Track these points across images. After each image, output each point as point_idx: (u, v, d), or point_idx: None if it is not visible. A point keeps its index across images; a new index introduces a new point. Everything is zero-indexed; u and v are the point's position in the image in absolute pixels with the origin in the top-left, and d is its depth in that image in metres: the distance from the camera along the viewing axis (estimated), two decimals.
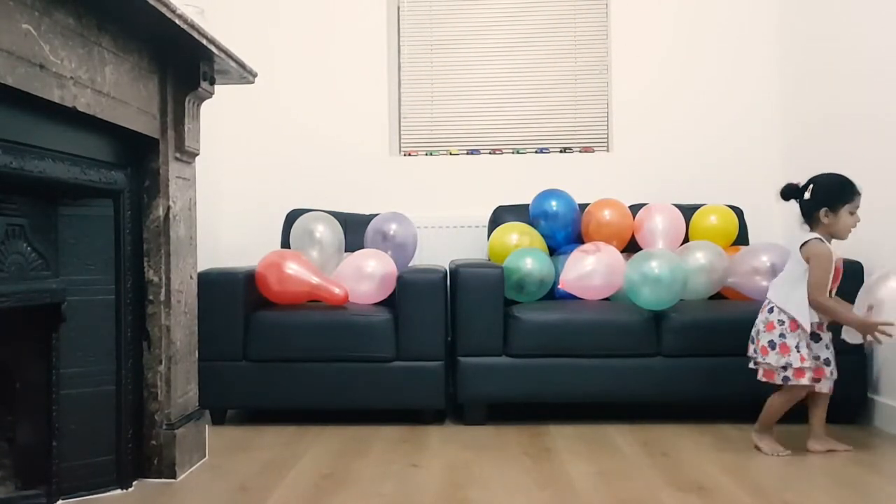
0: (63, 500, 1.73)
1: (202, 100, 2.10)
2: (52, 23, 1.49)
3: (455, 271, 2.56)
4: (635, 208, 2.98)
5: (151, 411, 1.93)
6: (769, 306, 2.16)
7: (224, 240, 3.33)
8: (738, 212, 3.02)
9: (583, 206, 2.99)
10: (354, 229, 2.96)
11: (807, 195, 2.13)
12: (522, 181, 3.24)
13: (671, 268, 2.48)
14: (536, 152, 3.43)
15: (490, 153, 3.45)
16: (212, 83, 2.10)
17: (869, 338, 2.06)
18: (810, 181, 2.14)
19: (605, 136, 3.44)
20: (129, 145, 1.89)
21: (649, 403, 2.60)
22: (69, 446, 1.74)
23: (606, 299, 2.67)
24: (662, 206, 2.93)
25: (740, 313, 2.42)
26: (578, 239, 2.95)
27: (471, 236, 3.21)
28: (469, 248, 3.21)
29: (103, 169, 1.79)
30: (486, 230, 3.16)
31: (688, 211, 2.95)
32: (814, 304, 2.08)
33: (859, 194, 2.13)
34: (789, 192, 2.17)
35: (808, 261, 2.09)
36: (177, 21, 1.70)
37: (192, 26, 1.77)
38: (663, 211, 2.90)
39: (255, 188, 3.37)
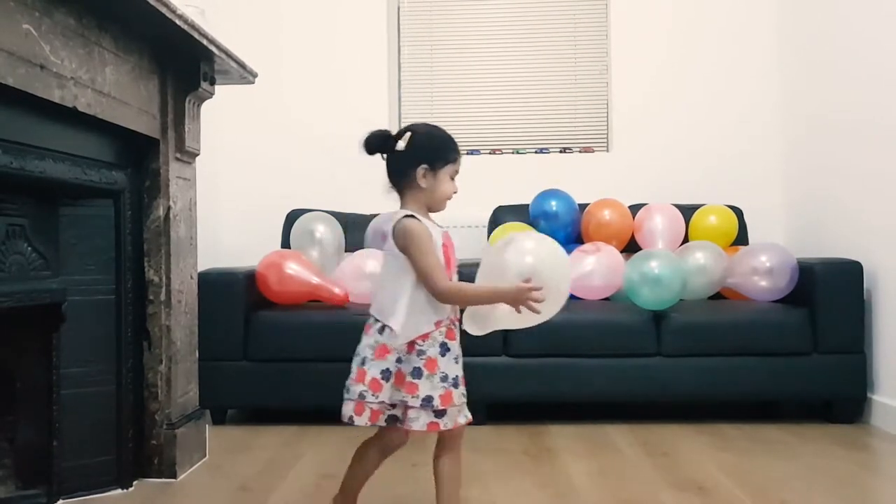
0: (63, 499, 1.74)
1: (202, 100, 2.10)
2: (53, 23, 1.49)
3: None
4: (635, 208, 2.98)
5: (152, 411, 1.93)
6: (376, 325, 1.48)
7: (224, 240, 3.33)
8: (738, 212, 3.02)
9: (583, 207, 2.99)
10: (354, 229, 2.96)
11: (401, 144, 1.51)
12: (522, 181, 3.24)
13: (671, 268, 2.48)
14: (536, 152, 3.43)
15: (490, 153, 3.45)
16: (212, 83, 2.10)
17: (518, 314, 1.47)
18: (407, 129, 1.54)
19: (605, 136, 3.44)
20: (129, 145, 1.89)
21: (649, 403, 2.60)
22: (69, 446, 1.75)
23: (606, 299, 2.67)
24: (662, 206, 2.93)
25: (740, 313, 2.42)
26: (578, 239, 2.95)
27: (471, 236, 3.21)
28: (469, 248, 3.21)
29: (104, 169, 1.79)
30: (485, 230, 3.16)
31: (687, 211, 2.95)
32: (442, 296, 1.46)
33: (460, 154, 1.56)
34: (377, 140, 1.54)
35: (404, 249, 1.47)
36: (177, 21, 1.70)
37: (193, 27, 1.78)
38: (663, 211, 2.90)
39: (255, 188, 3.37)
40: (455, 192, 1.57)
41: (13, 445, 1.70)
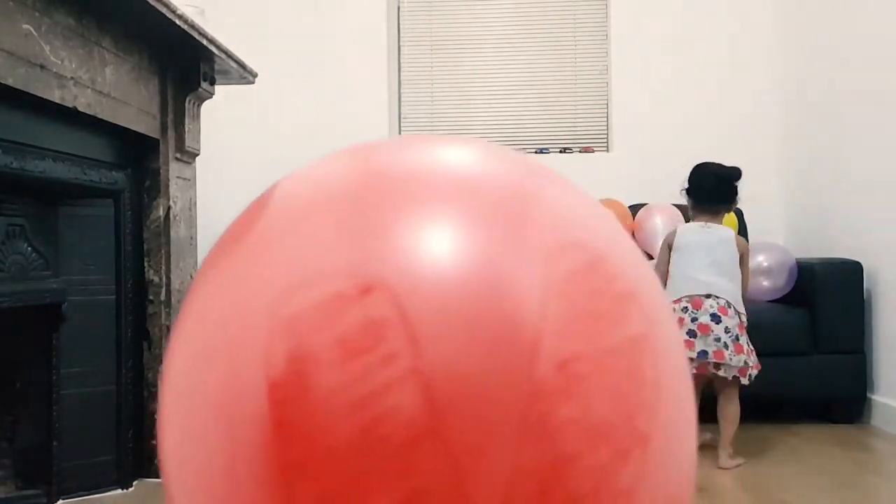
0: (63, 499, 1.73)
1: (202, 100, 2.10)
2: (53, 23, 1.49)
3: None
4: (635, 208, 2.98)
5: (152, 411, 1.93)
6: (729, 307, 2.02)
7: None
8: (738, 212, 3.02)
9: None
10: None
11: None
12: None
13: None
14: (536, 152, 3.43)
15: None
16: (212, 83, 2.10)
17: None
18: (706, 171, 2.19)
19: (605, 136, 3.44)
20: (129, 145, 1.89)
21: None
22: (69, 446, 1.74)
23: None
24: (662, 206, 2.93)
25: None
26: None
27: None
28: None
29: (104, 169, 1.79)
30: None
31: (687, 211, 2.95)
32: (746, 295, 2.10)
33: None
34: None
35: (741, 253, 2.09)
36: (177, 21, 1.70)
37: (193, 27, 1.78)
38: (663, 211, 2.90)
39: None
40: None
41: (13, 445, 1.70)
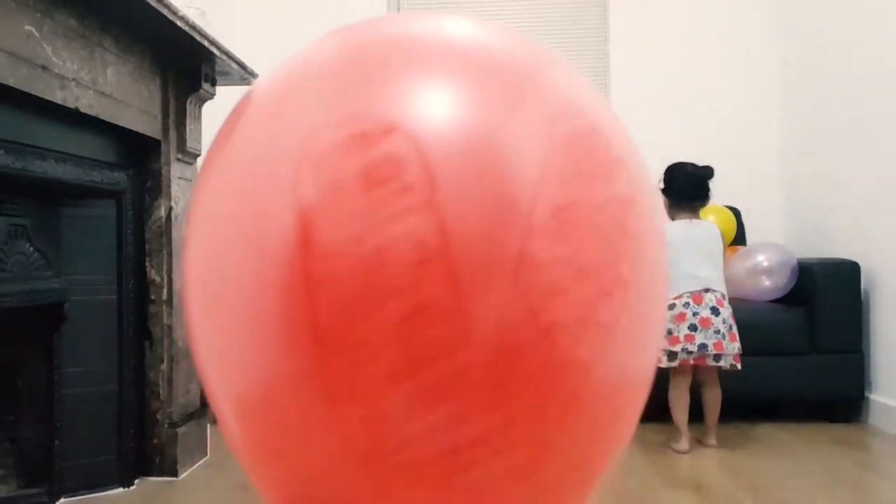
0: (65, 498, 1.74)
1: (204, 101, 2.11)
2: (54, 24, 1.49)
3: None
4: None
5: (153, 410, 1.94)
6: (724, 298, 2.19)
7: None
8: (736, 212, 3.03)
9: None
10: None
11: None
12: None
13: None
14: None
15: None
16: (213, 84, 2.11)
17: None
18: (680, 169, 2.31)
19: None
20: (131, 146, 1.90)
21: (647, 403, 2.61)
22: (71, 445, 1.75)
23: None
24: (661, 206, 2.94)
25: (738, 313, 2.43)
26: None
27: None
28: None
29: (105, 170, 1.79)
30: None
31: (666, 209, 2.96)
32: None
33: None
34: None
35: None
36: (178, 23, 1.71)
37: (194, 28, 1.78)
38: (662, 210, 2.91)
39: None
40: None
41: (15, 444, 1.71)
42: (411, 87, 0.34)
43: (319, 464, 0.34)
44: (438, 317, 0.31)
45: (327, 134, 0.34)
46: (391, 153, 0.32)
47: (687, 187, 2.26)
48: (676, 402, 2.21)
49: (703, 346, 2.12)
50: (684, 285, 2.16)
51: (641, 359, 0.37)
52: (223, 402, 0.38)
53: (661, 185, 2.28)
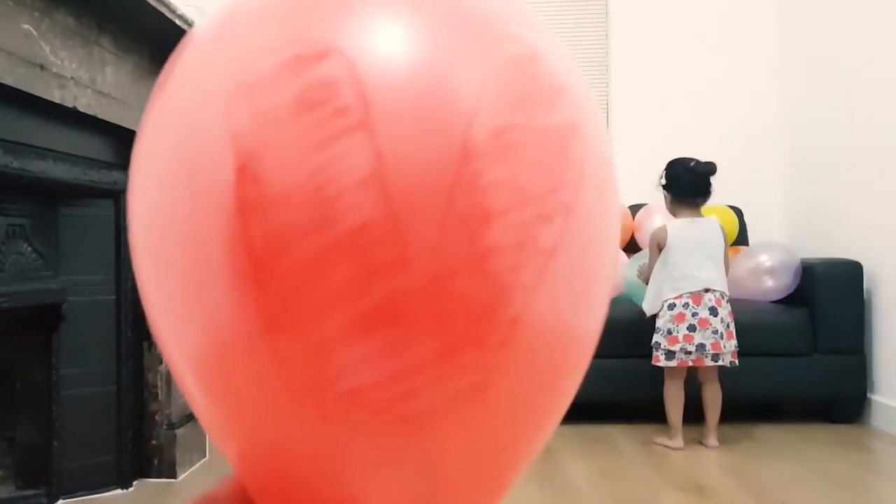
0: (63, 499, 1.73)
1: None
2: (53, 23, 1.48)
3: None
4: (635, 208, 2.98)
5: (152, 411, 1.93)
6: (723, 297, 2.18)
7: None
8: (738, 212, 3.02)
9: None
10: None
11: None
12: None
13: None
14: None
15: None
16: None
17: None
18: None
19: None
20: (129, 145, 1.85)
21: (649, 404, 2.60)
22: (69, 446, 1.74)
23: None
24: (662, 206, 2.92)
25: (739, 314, 2.42)
26: None
27: None
28: None
29: (104, 169, 1.78)
30: None
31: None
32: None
33: None
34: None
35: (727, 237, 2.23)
36: (177, 21, 1.70)
37: (192, 26, 1.77)
38: (663, 211, 2.89)
39: None
40: None
41: (13, 445, 1.70)
42: (350, 12, 0.35)
43: (264, 403, 0.34)
44: (374, 240, 0.31)
45: (262, 60, 0.34)
46: (326, 76, 0.32)
47: (688, 183, 2.24)
48: (671, 401, 2.21)
49: (700, 347, 2.13)
50: (686, 285, 2.16)
51: (587, 287, 0.37)
52: (180, 363, 0.38)
53: (663, 181, 2.27)
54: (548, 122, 0.35)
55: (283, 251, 0.32)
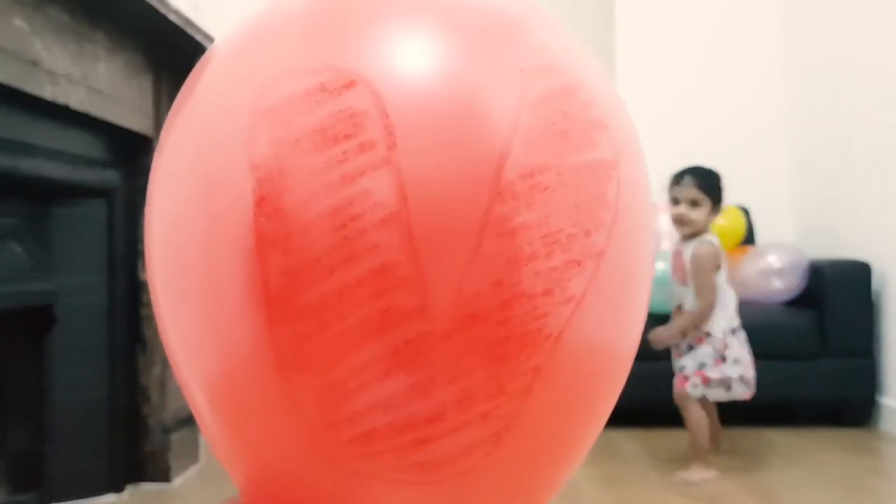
0: None
1: None
2: (45, 18, 1.45)
3: None
4: None
5: (145, 415, 1.90)
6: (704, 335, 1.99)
7: None
8: (746, 212, 2.98)
9: None
10: None
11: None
12: None
13: None
14: None
15: None
16: None
17: None
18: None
19: None
20: (122, 143, 1.85)
21: (655, 408, 2.56)
22: (61, 451, 1.71)
23: None
24: (667, 206, 2.89)
25: (747, 316, 2.38)
26: None
27: None
28: None
29: (96, 168, 1.75)
30: None
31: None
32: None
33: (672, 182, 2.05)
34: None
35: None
36: (171, 17, 1.67)
37: (188, 22, 1.74)
38: (668, 210, 2.86)
39: None
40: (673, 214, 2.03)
41: (4, 450, 1.67)
42: (378, 37, 0.33)
43: (275, 436, 0.34)
44: (395, 282, 0.30)
45: (285, 86, 0.33)
46: (351, 108, 0.31)
47: (720, 190, 1.98)
48: (703, 423, 1.96)
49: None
50: (735, 313, 1.99)
51: (616, 333, 0.35)
52: (192, 382, 0.37)
53: (699, 193, 1.95)
54: (583, 161, 0.33)
55: (300, 289, 0.31)
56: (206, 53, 0.40)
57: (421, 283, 0.30)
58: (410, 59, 0.32)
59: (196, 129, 0.37)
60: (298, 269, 0.31)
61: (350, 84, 0.31)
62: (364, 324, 0.30)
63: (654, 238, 0.45)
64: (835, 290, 2.42)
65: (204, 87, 0.39)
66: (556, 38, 0.37)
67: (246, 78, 0.35)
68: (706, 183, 1.97)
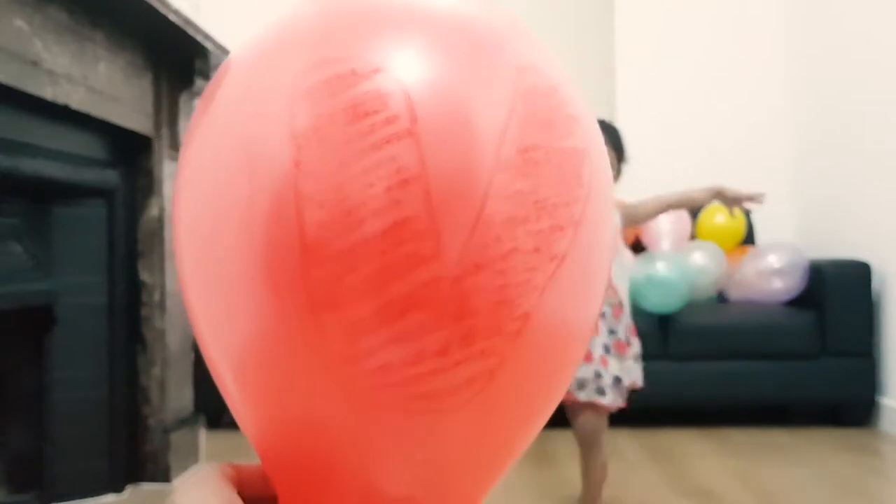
0: None
1: (197, 97, 2.07)
2: (45, 19, 1.45)
3: None
4: None
5: (145, 415, 1.90)
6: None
7: None
8: (746, 212, 2.98)
9: None
10: None
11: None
12: None
13: (678, 270, 2.44)
14: None
15: None
16: (207, 80, 2.06)
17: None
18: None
19: None
20: (122, 143, 1.85)
21: (654, 408, 2.56)
22: (61, 451, 1.71)
23: None
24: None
25: (747, 316, 2.38)
26: None
27: None
28: None
29: (96, 168, 1.75)
30: None
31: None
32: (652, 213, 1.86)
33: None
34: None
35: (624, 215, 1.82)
36: (171, 17, 1.66)
37: (187, 22, 1.74)
38: (670, 213, 2.86)
39: None
40: None
41: (4, 450, 1.67)
42: (394, 39, 0.42)
43: (299, 380, 0.40)
44: (414, 233, 0.37)
45: (321, 71, 0.40)
46: (378, 89, 0.39)
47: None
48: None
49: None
50: None
51: (585, 293, 0.44)
52: (223, 349, 0.43)
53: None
54: (564, 146, 0.42)
55: (333, 238, 0.38)
56: (223, 65, 0.46)
57: (436, 235, 0.37)
58: (425, 56, 0.41)
59: (234, 111, 0.43)
60: (332, 221, 0.38)
61: (377, 70, 0.39)
62: (388, 268, 0.37)
63: (614, 216, 0.53)
64: (835, 290, 2.42)
65: (230, 83, 0.45)
66: (536, 46, 0.47)
67: (277, 68, 0.43)
68: (609, 137, 1.77)
